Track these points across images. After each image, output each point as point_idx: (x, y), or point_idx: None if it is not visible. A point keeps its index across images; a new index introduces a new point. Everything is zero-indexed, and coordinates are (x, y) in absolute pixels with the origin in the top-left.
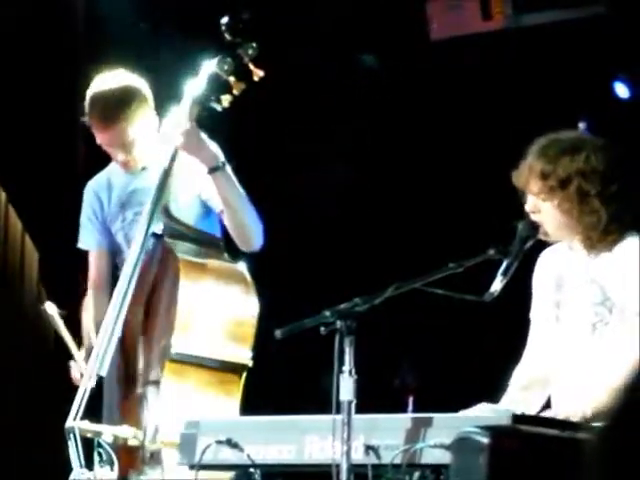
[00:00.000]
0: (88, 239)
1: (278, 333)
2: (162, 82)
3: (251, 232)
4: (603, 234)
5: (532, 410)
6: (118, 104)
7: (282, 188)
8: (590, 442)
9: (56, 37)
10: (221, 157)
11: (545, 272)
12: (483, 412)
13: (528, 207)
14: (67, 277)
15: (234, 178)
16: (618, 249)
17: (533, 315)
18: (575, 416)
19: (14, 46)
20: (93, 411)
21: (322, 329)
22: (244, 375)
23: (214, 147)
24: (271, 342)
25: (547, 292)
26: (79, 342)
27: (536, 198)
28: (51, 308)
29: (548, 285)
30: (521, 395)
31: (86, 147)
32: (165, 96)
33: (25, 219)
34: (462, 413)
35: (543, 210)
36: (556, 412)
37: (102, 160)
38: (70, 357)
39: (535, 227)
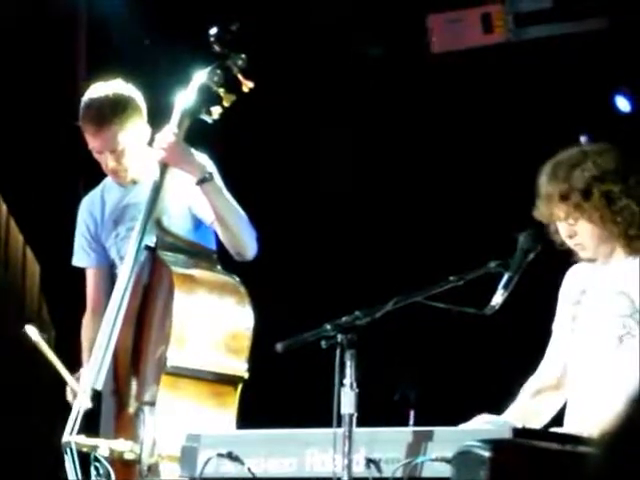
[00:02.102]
0: (82, 256)
1: (279, 347)
2: (153, 94)
3: (244, 241)
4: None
5: (540, 417)
6: (111, 108)
7: (281, 198)
8: (595, 456)
9: (56, 53)
10: (208, 168)
11: (570, 285)
12: (483, 425)
13: (564, 235)
14: (69, 290)
15: (224, 188)
16: None
17: (554, 327)
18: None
19: (14, 59)
20: (90, 425)
21: (323, 342)
22: (240, 387)
23: (202, 158)
24: (272, 355)
25: (570, 304)
26: (76, 358)
27: (567, 223)
28: (32, 332)
29: (570, 298)
30: (530, 403)
31: (88, 159)
32: (155, 108)
33: (26, 232)
34: (462, 426)
35: (579, 231)
36: (577, 427)
37: (103, 174)
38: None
39: (536, 240)
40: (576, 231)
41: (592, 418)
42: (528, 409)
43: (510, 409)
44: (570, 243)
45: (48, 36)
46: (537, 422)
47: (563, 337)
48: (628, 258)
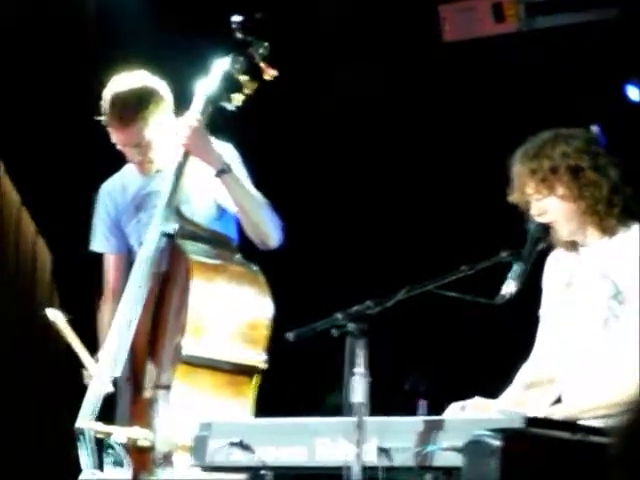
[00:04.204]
0: (101, 241)
1: (290, 336)
2: (173, 81)
3: (267, 231)
4: (609, 207)
5: (532, 409)
6: (137, 104)
7: (294, 188)
8: (612, 445)
9: (69, 40)
10: (228, 159)
11: (554, 270)
12: (494, 415)
13: (534, 212)
14: (81, 279)
15: (245, 179)
16: (626, 240)
17: (542, 313)
18: (584, 411)
19: (28, 48)
20: (106, 412)
21: (334, 331)
22: (257, 377)
23: (226, 148)
24: (283, 344)
25: (556, 290)
26: (90, 346)
27: (536, 200)
28: (53, 314)
29: (557, 283)
30: (523, 394)
31: (101, 148)
32: (176, 95)
33: (39, 221)
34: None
35: (548, 208)
36: (566, 407)
37: (117, 161)
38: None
39: (547, 229)
40: (545, 209)
41: (582, 402)
42: (520, 401)
43: (503, 397)
44: (541, 222)
45: (59, 26)
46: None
47: (556, 323)
48: (603, 238)
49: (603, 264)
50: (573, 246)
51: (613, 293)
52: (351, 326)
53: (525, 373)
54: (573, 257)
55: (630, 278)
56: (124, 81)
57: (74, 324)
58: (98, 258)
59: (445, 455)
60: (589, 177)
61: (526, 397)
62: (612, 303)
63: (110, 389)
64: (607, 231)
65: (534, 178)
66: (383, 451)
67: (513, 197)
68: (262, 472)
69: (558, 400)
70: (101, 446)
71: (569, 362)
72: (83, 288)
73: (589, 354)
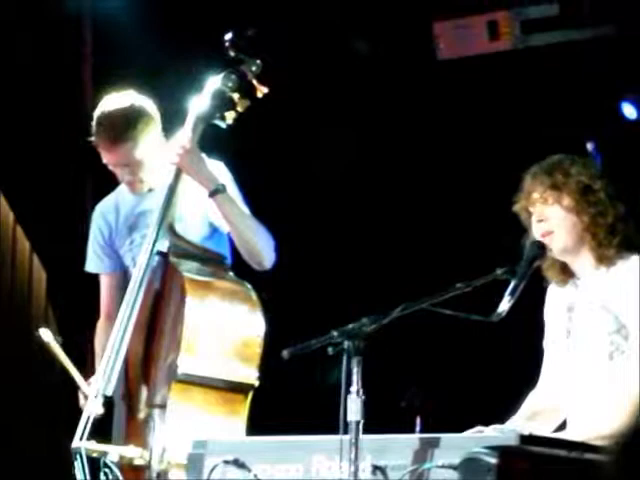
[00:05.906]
0: (96, 262)
1: (285, 353)
2: (166, 100)
3: (260, 252)
4: (610, 234)
5: None
6: (124, 124)
7: (288, 204)
8: (604, 463)
9: (65, 60)
10: (221, 179)
11: (556, 301)
12: (490, 432)
13: (536, 217)
14: (75, 297)
15: (238, 199)
16: (626, 271)
17: (545, 344)
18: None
19: (21, 68)
20: (102, 431)
21: (330, 349)
22: (250, 395)
23: (218, 166)
24: (278, 362)
25: (558, 321)
26: (85, 366)
27: (541, 205)
28: (46, 334)
29: (559, 314)
30: (525, 425)
31: (95, 166)
32: (169, 114)
33: (33, 239)
34: (467, 433)
35: (550, 215)
36: (569, 435)
37: (111, 180)
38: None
39: (543, 246)
40: (547, 215)
41: (588, 433)
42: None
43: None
44: (540, 230)
45: (53, 39)
46: None
47: (558, 353)
48: (600, 268)
49: (602, 296)
50: (566, 279)
51: (616, 327)
52: (347, 343)
53: (530, 403)
54: (572, 288)
55: (632, 311)
56: (112, 101)
57: (69, 343)
58: (93, 277)
59: (441, 473)
60: (598, 198)
61: (529, 426)
62: (616, 338)
63: (100, 411)
64: (604, 261)
65: (543, 184)
66: (379, 469)
67: (517, 205)
68: None
69: (560, 427)
70: (97, 466)
71: (574, 394)
72: (77, 305)
73: (594, 387)
